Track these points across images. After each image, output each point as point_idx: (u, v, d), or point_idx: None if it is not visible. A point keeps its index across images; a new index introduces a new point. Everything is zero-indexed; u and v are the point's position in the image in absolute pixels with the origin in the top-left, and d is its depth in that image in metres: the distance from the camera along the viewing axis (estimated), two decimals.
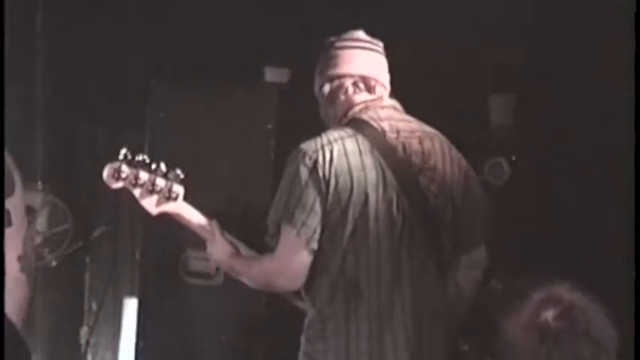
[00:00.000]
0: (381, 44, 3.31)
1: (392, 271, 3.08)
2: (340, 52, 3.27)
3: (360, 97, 3.25)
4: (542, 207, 4.46)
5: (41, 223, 4.96)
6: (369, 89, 3.26)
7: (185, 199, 3.27)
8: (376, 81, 3.26)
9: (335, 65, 3.26)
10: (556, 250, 4.21)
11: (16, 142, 4.87)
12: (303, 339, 3.16)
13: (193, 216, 3.27)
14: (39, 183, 4.98)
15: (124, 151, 3.19)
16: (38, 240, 4.97)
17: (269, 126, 4.54)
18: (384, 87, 3.30)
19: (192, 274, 4.52)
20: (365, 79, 3.25)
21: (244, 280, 3.27)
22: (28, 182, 4.81)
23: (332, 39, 3.33)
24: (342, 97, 3.26)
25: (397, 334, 3.06)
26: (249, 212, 4.31)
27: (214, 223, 3.30)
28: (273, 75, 4.59)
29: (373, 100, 3.25)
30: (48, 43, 5.08)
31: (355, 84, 3.25)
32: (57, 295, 5.16)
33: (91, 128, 5.25)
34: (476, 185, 3.29)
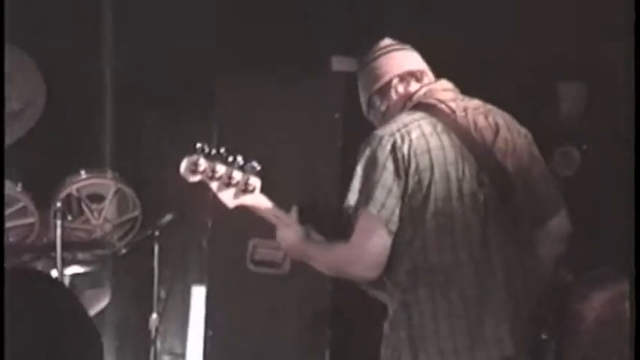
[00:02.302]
0: (409, 46, 3.32)
1: (480, 249, 3.04)
2: (376, 63, 3.28)
3: (414, 87, 3.26)
4: (613, 196, 4.44)
5: (111, 211, 5.03)
6: (418, 80, 3.26)
7: (260, 191, 3.27)
8: (421, 72, 3.27)
9: (376, 75, 3.27)
10: (625, 240, 4.19)
11: (87, 132, 5.22)
12: (386, 327, 3.12)
13: (269, 208, 3.26)
14: (108, 172, 5.05)
15: (199, 144, 3.18)
16: (108, 228, 5.06)
17: (336, 115, 4.53)
18: (429, 75, 3.30)
19: (259, 263, 4.52)
20: (410, 73, 3.26)
21: (317, 265, 3.23)
22: (98, 171, 5.05)
23: (362, 58, 3.35)
24: (397, 95, 3.26)
25: (490, 315, 3.02)
26: (317, 202, 4.32)
27: (295, 209, 3.28)
28: (341, 64, 4.58)
29: (430, 84, 3.26)
30: (117, 35, 5.13)
31: (402, 79, 3.26)
32: (126, 283, 5.23)
33: (158, 119, 5.32)
34: (538, 154, 3.28)
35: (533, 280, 3.11)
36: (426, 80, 3.28)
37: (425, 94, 3.21)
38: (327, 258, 3.18)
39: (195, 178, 3.18)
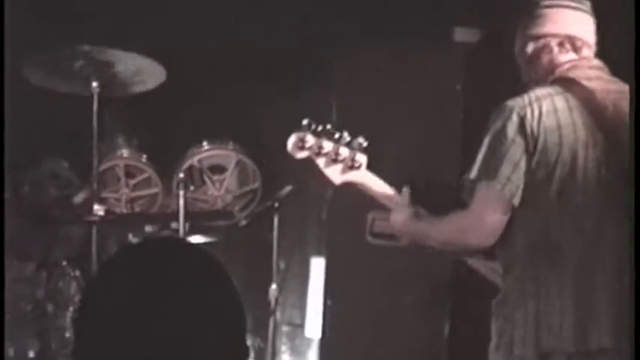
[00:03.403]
0: (588, 3, 3.23)
1: (596, 233, 3.01)
2: (546, 11, 3.19)
3: (566, 56, 3.17)
4: None
5: (232, 182, 5.05)
6: (575, 50, 3.18)
7: (370, 165, 3.25)
8: (583, 41, 3.19)
9: (540, 24, 3.18)
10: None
11: (209, 104, 5.27)
12: (494, 305, 3.12)
13: (377, 185, 3.26)
14: (230, 143, 5.07)
15: (306, 121, 3.18)
16: (228, 199, 5.07)
17: (457, 87, 4.52)
18: (590, 48, 3.22)
19: (378, 236, 4.17)
20: (571, 39, 3.17)
21: (429, 241, 3.23)
22: (220, 142, 5.07)
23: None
24: (547, 57, 3.19)
25: (601, 299, 3.01)
26: (434, 177, 4.31)
27: (406, 191, 3.27)
28: (462, 35, 4.56)
29: (580, 59, 3.18)
30: (236, 10, 5.15)
31: (561, 44, 3.18)
32: (247, 254, 5.24)
33: (279, 91, 5.33)
34: None
35: None
36: (585, 52, 3.19)
37: (568, 69, 3.14)
38: (442, 228, 3.17)
39: (302, 155, 3.20)
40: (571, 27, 3.19)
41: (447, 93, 4.54)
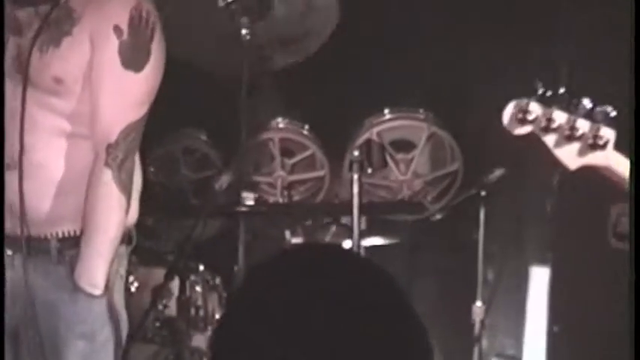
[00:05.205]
0: None
1: None
2: None
3: None
4: None
5: (422, 163, 4.63)
6: None
7: (618, 143, 2.91)
8: None
9: None
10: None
11: (395, 60, 4.94)
12: None
13: (628, 170, 2.93)
14: (420, 111, 4.64)
15: (532, 84, 2.90)
16: (418, 185, 4.66)
17: None
18: None
19: (625, 238, 4.15)
20: None
21: None
22: (407, 110, 4.73)
23: None
24: None
25: None
26: None
27: None
28: None
29: None
30: None
31: None
32: (441, 260, 5.03)
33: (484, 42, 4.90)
34: None
35: None
36: None
37: None
38: None
39: (523, 130, 2.88)
40: None
41: None
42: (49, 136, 2.89)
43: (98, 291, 2.88)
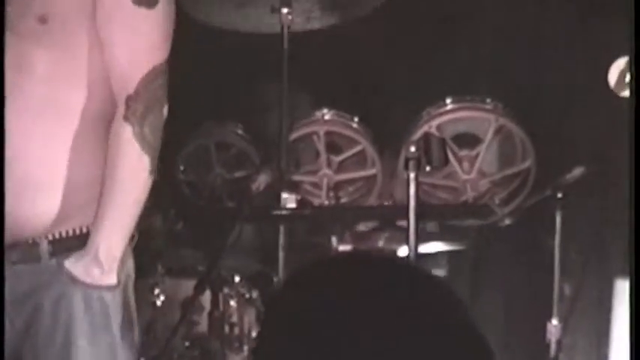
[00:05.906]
0: None
1: None
2: None
3: None
4: None
5: (489, 160, 4.40)
6: None
7: None
8: None
9: None
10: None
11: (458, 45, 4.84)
12: None
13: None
14: (487, 101, 4.40)
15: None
16: (484, 186, 4.42)
17: None
18: None
19: None
20: None
21: None
22: (471, 100, 4.48)
23: None
24: None
25: None
26: None
27: None
28: None
29: None
30: None
31: None
32: (510, 270, 4.76)
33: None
34: None
35: None
36: None
37: None
38: None
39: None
40: None
41: None
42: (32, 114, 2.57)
43: (115, 264, 2.63)
